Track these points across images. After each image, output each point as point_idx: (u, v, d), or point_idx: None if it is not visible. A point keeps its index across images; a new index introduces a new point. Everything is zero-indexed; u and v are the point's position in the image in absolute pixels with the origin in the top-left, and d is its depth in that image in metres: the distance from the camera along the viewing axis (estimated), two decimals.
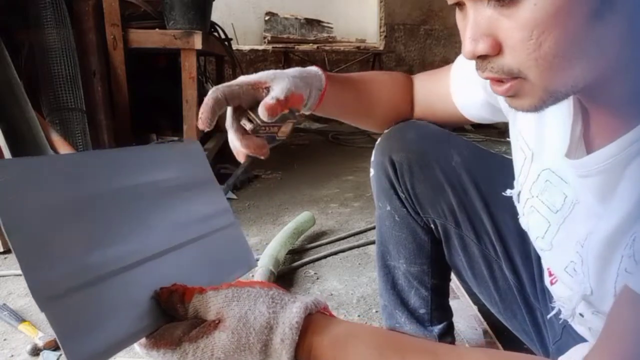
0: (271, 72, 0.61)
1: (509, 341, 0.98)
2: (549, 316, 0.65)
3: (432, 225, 0.81)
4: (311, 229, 1.87)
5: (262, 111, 0.56)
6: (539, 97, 0.42)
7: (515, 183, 0.63)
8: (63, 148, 1.97)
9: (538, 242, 0.58)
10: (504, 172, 0.70)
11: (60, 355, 1.14)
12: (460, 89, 0.74)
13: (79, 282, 0.38)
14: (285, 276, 1.48)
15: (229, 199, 2.44)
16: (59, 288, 0.37)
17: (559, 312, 0.63)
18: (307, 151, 3.56)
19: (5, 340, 1.22)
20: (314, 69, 0.67)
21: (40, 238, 0.37)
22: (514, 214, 0.69)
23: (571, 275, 0.54)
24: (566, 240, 0.54)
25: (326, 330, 0.42)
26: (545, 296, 0.70)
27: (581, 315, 0.58)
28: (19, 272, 1.62)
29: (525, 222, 0.61)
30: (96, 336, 0.37)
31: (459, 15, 0.45)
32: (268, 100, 0.57)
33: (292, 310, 0.41)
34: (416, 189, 0.77)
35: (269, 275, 1.36)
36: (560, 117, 0.52)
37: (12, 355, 1.15)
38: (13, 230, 0.35)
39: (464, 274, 0.83)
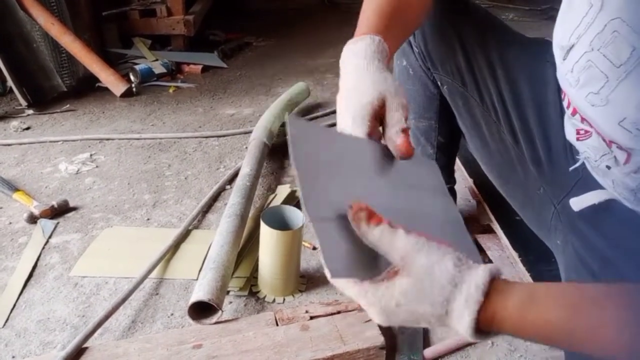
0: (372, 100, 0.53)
1: (497, 208, 1.01)
2: (571, 168, 0.68)
3: (439, 83, 0.84)
4: (306, 100, 1.81)
5: (397, 154, 0.53)
6: None
7: (565, 37, 0.59)
8: (34, 9, 1.82)
9: (590, 98, 0.57)
10: (514, 40, 0.76)
11: (57, 223, 1.16)
12: None
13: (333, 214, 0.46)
14: (279, 149, 1.46)
15: (219, 67, 2.32)
16: (327, 213, 0.45)
17: (582, 164, 0.66)
18: (301, 17, 3.32)
19: (1, 208, 1.23)
20: (379, 51, 0.57)
21: (317, 176, 0.46)
22: (518, 79, 0.73)
23: (629, 131, 0.53)
24: (626, 96, 0.53)
25: (509, 293, 0.41)
26: (566, 151, 0.71)
27: (608, 167, 0.60)
28: (7, 141, 1.58)
29: (574, 77, 0.58)
30: (341, 259, 0.44)
31: None
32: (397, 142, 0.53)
33: (478, 272, 0.41)
34: (428, 45, 0.80)
35: (263, 147, 1.33)
36: None
37: (10, 223, 1.17)
38: (300, 164, 0.45)
39: (466, 134, 0.86)
